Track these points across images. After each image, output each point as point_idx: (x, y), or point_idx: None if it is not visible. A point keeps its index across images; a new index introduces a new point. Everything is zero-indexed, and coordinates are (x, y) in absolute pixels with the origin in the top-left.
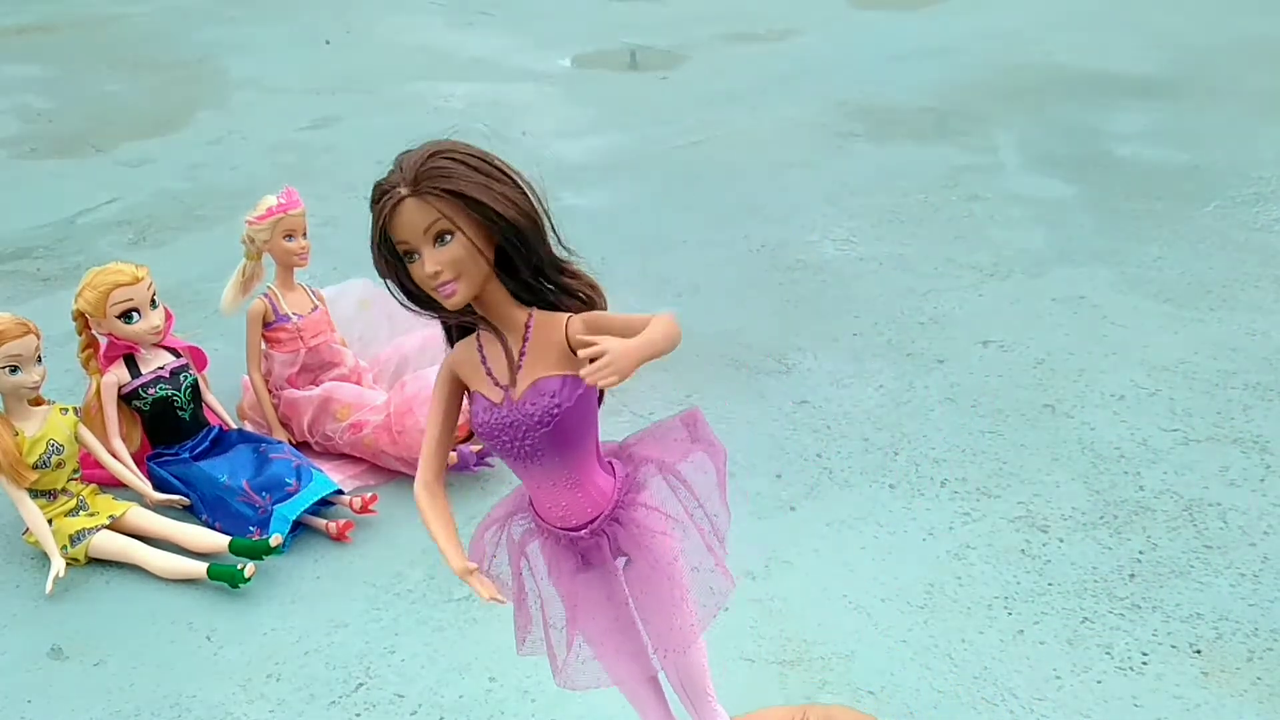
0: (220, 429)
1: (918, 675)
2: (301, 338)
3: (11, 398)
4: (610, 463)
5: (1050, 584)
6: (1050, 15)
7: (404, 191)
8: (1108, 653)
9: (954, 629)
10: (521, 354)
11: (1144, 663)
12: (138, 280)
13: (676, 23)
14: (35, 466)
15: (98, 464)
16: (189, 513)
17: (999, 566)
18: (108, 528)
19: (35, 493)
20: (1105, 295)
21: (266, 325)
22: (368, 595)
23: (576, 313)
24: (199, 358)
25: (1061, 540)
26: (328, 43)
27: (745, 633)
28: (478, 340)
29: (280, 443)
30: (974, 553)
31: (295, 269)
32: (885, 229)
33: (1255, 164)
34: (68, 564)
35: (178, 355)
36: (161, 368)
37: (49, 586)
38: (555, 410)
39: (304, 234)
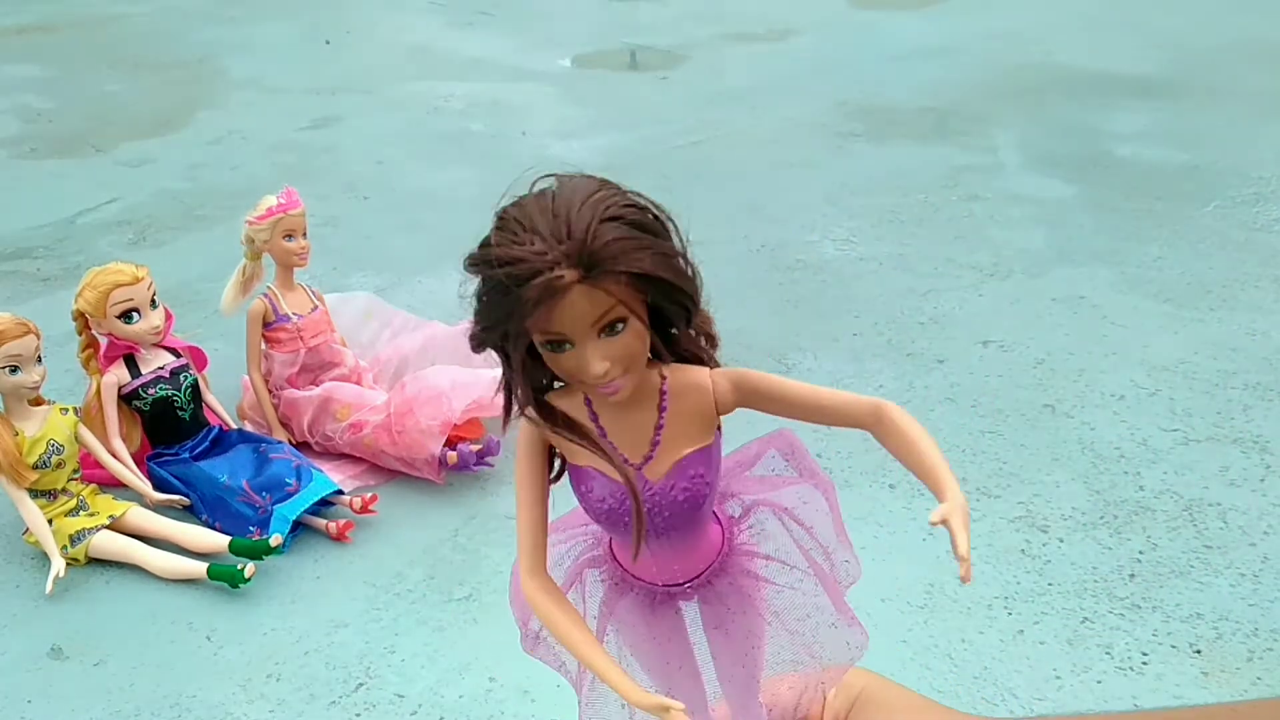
0: (220, 429)
1: (918, 675)
2: (301, 338)
3: (11, 398)
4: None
5: (1050, 584)
6: (1050, 15)
7: (570, 276)
8: (1108, 653)
9: (954, 629)
10: (659, 426)
11: (1144, 663)
12: (138, 280)
13: (676, 23)
14: (35, 466)
15: (98, 464)
16: (189, 513)
17: (999, 566)
18: (108, 528)
19: (35, 493)
20: (1105, 295)
21: (266, 325)
22: (368, 595)
23: (707, 364)
24: (199, 358)
25: (1061, 540)
26: (328, 43)
27: None
28: (588, 407)
29: (280, 443)
30: (974, 553)
31: (295, 269)
32: (885, 229)
33: (1255, 164)
34: (68, 564)
35: (178, 355)
36: (161, 368)
37: (49, 586)
38: (705, 491)
39: (304, 234)
